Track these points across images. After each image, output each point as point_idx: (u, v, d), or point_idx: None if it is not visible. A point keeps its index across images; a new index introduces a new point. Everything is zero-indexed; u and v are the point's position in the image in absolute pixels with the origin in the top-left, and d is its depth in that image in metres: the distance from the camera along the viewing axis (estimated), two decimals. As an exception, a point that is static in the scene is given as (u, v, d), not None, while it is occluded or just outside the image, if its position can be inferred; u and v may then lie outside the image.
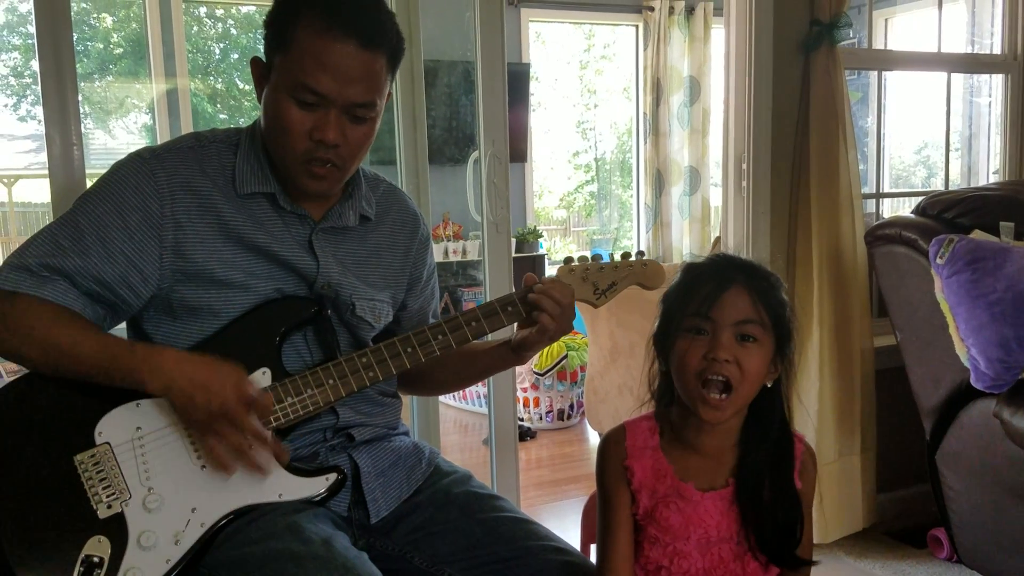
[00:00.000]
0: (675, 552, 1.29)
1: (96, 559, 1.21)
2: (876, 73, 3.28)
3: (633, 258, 1.48)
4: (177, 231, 1.32)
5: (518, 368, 3.41)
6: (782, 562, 1.31)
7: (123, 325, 1.43)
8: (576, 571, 1.36)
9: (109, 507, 1.24)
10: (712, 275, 1.29)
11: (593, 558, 1.50)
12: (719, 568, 1.29)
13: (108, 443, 1.26)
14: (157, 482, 1.26)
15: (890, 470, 2.92)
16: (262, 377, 1.32)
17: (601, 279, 1.46)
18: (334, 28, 1.25)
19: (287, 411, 1.32)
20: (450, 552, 1.40)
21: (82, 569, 1.20)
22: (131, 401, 1.28)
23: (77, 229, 1.29)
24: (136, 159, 1.34)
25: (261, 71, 1.35)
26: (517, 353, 1.48)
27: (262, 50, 1.36)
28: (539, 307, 1.40)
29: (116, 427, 1.27)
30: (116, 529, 1.23)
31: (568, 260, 1.47)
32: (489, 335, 1.44)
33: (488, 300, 1.44)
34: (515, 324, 1.46)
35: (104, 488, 1.24)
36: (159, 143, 1.42)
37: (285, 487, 1.31)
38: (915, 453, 2.68)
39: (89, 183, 1.84)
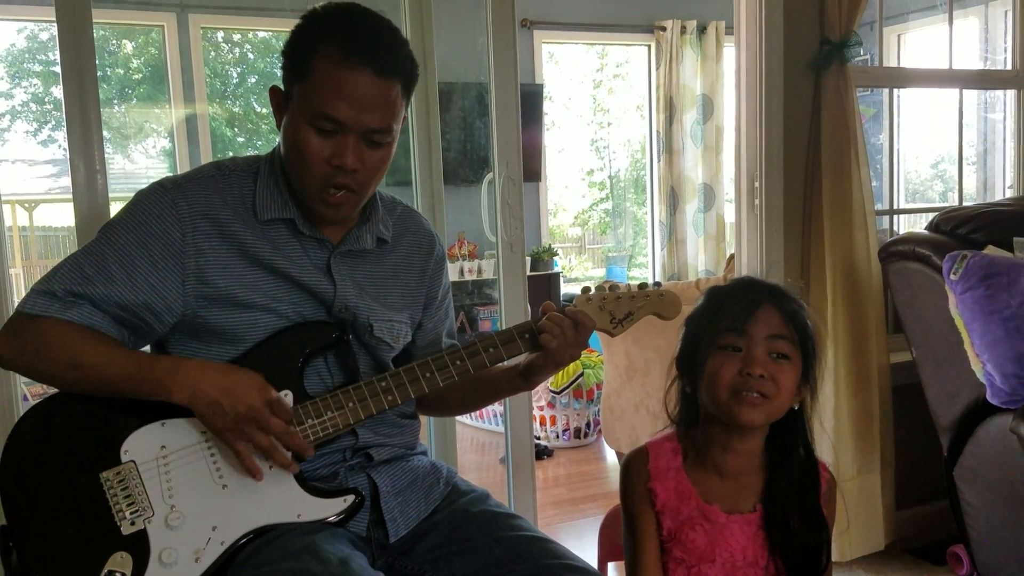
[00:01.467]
0: (700, 574, 1.30)
1: (118, 574, 1.23)
2: (888, 90, 3.29)
3: (650, 287, 1.48)
4: (199, 258, 1.35)
5: (534, 387, 3.43)
6: None
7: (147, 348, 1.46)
8: (593, 589, 1.37)
9: (132, 523, 1.26)
10: (741, 295, 1.30)
11: (610, 575, 1.51)
12: None
13: (133, 461, 1.29)
14: (179, 500, 1.29)
15: (908, 487, 2.91)
16: (284, 399, 1.34)
17: (618, 308, 1.47)
18: (352, 58, 1.29)
19: (307, 433, 1.34)
20: (469, 571, 1.41)
21: None
22: (157, 421, 1.31)
23: (102, 258, 1.32)
24: (159, 189, 1.37)
25: (279, 99, 1.39)
26: (525, 378, 1.49)
27: (279, 75, 1.39)
28: (543, 329, 1.41)
29: (141, 445, 1.30)
30: (138, 545, 1.25)
31: (586, 290, 1.48)
32: (506, 360, 1.46)
33: (504, 321, 1.46)
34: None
35: (128, 505, 1.27)
36: (180, 171, 1.46)
37: (304, 507, 1.33)
38: (933, 469, 2.66)
39: (111, 208, 1.88)
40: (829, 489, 1.36)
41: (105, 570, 1.23)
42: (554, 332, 1.41)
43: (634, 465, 1.36)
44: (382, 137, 1.35)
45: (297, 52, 1.34)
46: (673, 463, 1.34)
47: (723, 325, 1.28)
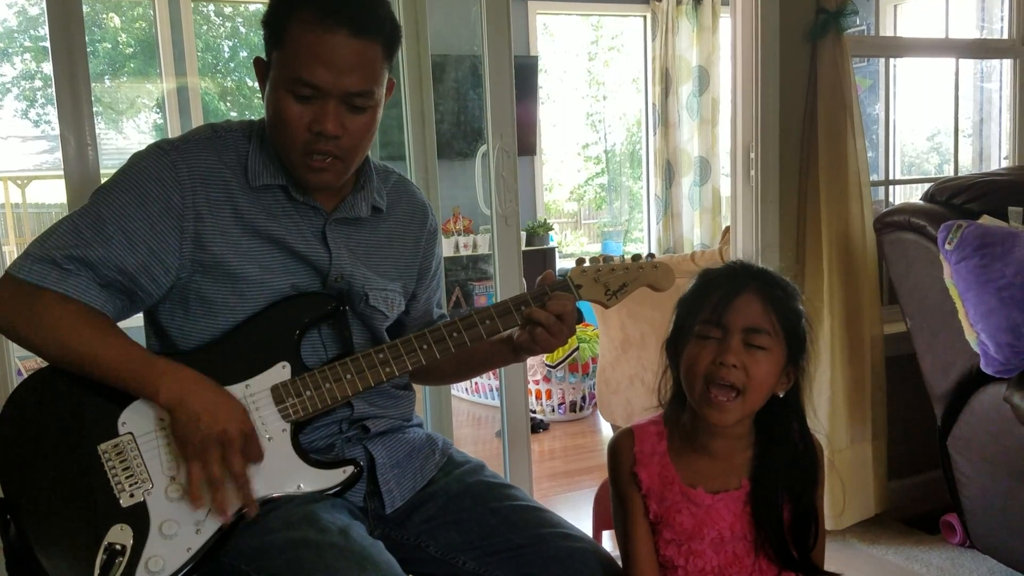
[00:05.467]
0: (690, 552, 1.31)
1: (118, 547, 1.23)
2: (884, 59, 3.27)
3: (644, 259, 1.49)
4: (197, 222, 1.34)
5: (529, 360, 3.43)
6: (794, 567, 1.32)
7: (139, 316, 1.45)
8: (588, 557, 1.38)
9: (132, 496, 1.26)
10: (725, 281, 1.30)
11: (605, 544, 1.52)
12: (734, 565, 1.30)
13: (131, 433, 1.29)
14: (179, 472, 1.28)
15: (902, 457, 2.93)
16: (282, 371, 1.35)
17: (612, 280, 1.47)
18: (326, 19, 1.27)
19: (305, 404, 1.34)
20: (464, 541, 1.42)
21: (104, 556, 1.22)
22: None
23: (99, 219, 1.31)
24: (156, 150, 1.36)
25: (263, 70, 1.37)
26: (516, 353, 1.49)
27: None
28: (536, 321, 1.39)
29: (139, 418, 1.29)
30: (138, 517, 1.25)
31: (580, 261, 1.48)
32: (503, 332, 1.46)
33: (499, 296, 1.45)
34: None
35: (127, 477, 1.27)
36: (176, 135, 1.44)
37: (303, 478, 1.33)
38: (927, 439, 2.68)
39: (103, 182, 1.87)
40: (822, 469, 1.36)
41: (105, 542, 1.23)
42: (551, 330, 1.39)
43: (620, 448, 1.38)
44: (363, 101, 1.33)
45: (274, 18, 1.32)
46: (658, 448, 1.35)
47: (703, 315, 1.28)
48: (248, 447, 1.28)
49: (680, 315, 1.33)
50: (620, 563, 1.37)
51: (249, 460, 1.28)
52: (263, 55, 1.38)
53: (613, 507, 1.40)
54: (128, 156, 1.38)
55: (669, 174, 6.33)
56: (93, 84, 1.98)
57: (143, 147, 1.39)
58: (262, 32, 1.36)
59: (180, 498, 1.28)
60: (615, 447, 1.38)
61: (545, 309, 1.39)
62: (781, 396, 1.32)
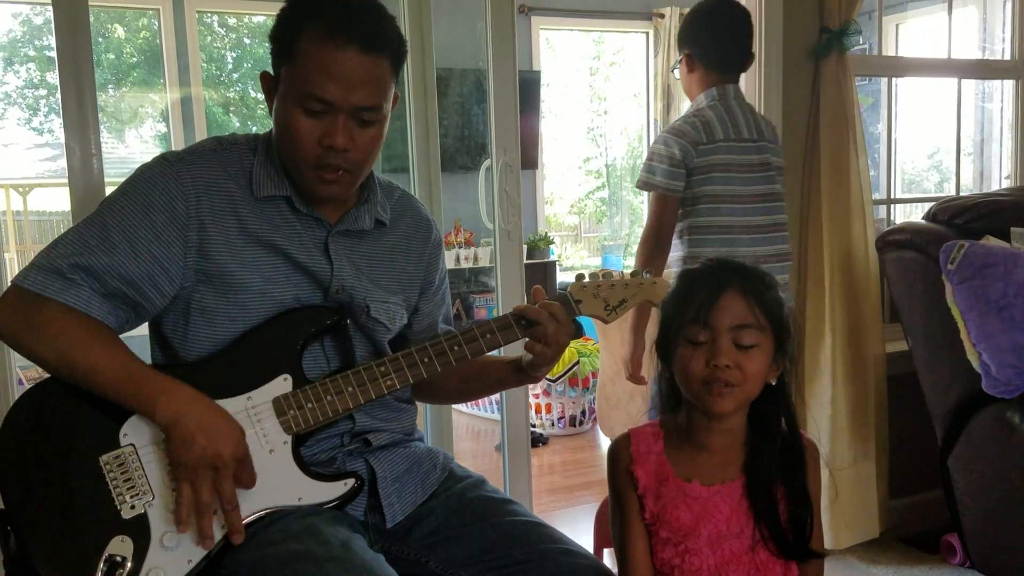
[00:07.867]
0: (686, 550, 1.30)
1: (119, 558, 1.23)
2: (887, 79, 3.29)
3: (643, 276, 1.50)
4: (201, 232, 1.34)
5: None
6: (793, 555, 1.32)
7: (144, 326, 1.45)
8: (589, 574, 1.37)
9: (133, 507, 1.26)
10: (707, 281, 1.30)
11: (606, 561, 1.52)
12: (731, 563, 1.29)
13: (133, 444, 1.28)
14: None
15: (903, 476, 2.92)
16: (283, 383, 1.35)
17: (612, 295, 1.48)
18: (337, 36, 1.28)
19: (307, 416, 1.34)
20: (465, 556, 1.42)
21: (105, 568, 1.22)
22: None
23: (104, 228, 1.31)
24: (162, 162, 1.37)
25: (270, 84, 1.38)
26: (529, 373, 1.50)
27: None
28: (538, 335, 1.41)
29: (141, 429, 1.29)
30: (139, 529, 1.25)
31: (579, 276, 1.49)
32: (504, 346, 1.46)
33: (500, 309, 1.46)
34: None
35: (128, 489, 1.27)
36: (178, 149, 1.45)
37: (304, 491, 1.33)
38: (927, 459, 2.68)
39: (107, 192, 1.87)
40: (812, 461, 1.37)
41: (106, 554, 1.23)
42: (545, 321, 1.41)
43: (617, 450, 1.38)
44: (372, 115, 1.34)
45: (283, 34, 1.33)
46: (654, 447, 1.35)
47: (688, 316, 1.28)
48: (241, 472, 1.27)
49: (666, 317, 1.34)
50: (619, 576, 1.37)
51: (241, 486, 1.28)
52: (269, 68, 1.39)
53: (611, 512, 1.40)
54: (131, 166, 1.39)
55: (670, 189, 6.33)
56: (97, 94, 1.98)
57: (146, 157, 1.40)
58: (269, 46, 1.37)
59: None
60: (613, 449, 1.39)
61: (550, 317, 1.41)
62: (772, 384, 1.33)
